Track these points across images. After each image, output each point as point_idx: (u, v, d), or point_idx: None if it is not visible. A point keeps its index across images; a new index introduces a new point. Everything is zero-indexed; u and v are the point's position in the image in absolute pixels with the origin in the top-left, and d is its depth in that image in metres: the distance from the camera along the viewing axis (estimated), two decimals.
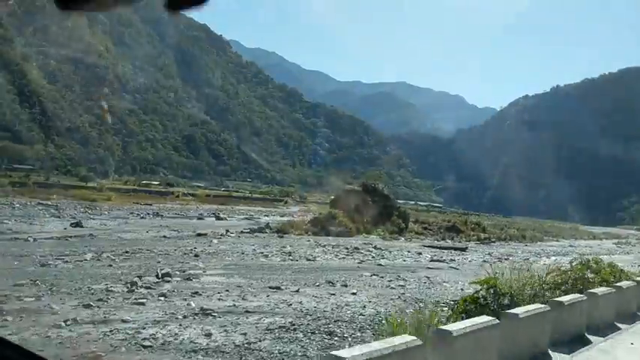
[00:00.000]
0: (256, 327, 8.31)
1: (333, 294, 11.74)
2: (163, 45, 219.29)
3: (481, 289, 9.48)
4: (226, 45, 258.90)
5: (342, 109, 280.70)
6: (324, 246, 23.49)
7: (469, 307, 9.11)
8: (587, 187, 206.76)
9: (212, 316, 8.84)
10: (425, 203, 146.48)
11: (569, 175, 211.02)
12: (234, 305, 9.83)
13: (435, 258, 22.12)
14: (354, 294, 11.94)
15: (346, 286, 13.02)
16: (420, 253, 25.09)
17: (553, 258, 30.31)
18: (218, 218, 35.27)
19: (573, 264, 10.01)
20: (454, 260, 23.20)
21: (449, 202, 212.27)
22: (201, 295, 10.67)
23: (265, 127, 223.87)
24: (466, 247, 28.89)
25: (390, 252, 24.60)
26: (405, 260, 21.41)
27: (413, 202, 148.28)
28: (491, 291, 9.37)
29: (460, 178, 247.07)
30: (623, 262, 33.30)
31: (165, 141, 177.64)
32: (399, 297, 12.04)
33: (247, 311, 9.37)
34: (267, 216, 45.66)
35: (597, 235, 64.36)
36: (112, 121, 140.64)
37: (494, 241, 36.35)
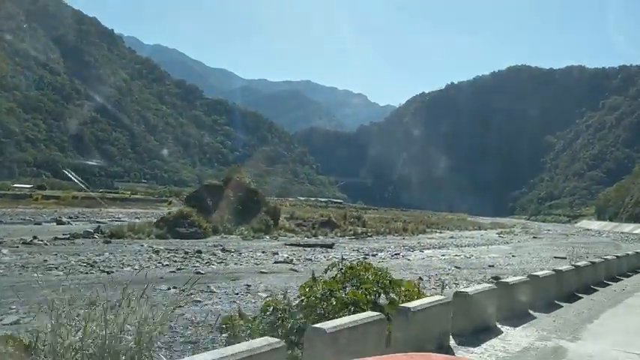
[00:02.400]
0: None
1: None
2: (48, 39, 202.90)
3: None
4: (118, 40, 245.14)
5: (246, 106, 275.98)
6: (158, 252, 19.85)
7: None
8: (481, 179, 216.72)
9: None
10: (325, 199, 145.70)
11: (464, 168, 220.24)
12: None
13: (283, 259, 19.22)
14: None
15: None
16: (275, 254, 22.17)
17: (427, 252, 28.70)
18: (59, 223, 30.48)
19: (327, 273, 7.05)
20: (309, 259, 20.46)
21: (353, 198, 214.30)
22: None
23: (162, 125, 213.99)
24: (333, 244, 26.43)
25: (241, 254, 21.44)
26: (247, 264, 18.32)
27: (314, 199, 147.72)
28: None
29: (363, 174, 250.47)
30: (499, 252, 32.50)
31: (50, 141, 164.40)
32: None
33: None
34: (138, 218, 41.00)
35: (484, 226, 65.38)
36: None
37: (370, 236, 34.45)
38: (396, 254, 25.75)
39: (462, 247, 33.12)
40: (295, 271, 16.36)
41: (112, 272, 14.32)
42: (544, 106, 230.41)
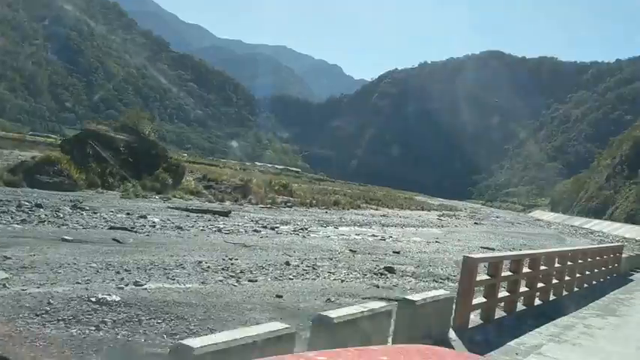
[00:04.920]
0: None
1: None
2: None
3: None
4: None
5: (214, 65, 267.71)
6: None
7: None
8: (444, 161, 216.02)
9: None
10: (282, 167, 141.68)
11: (427, 148, 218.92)
12: None
13: (125, 226, 15.33)
14: None
15: None
16: (143, 217, 18.26)
17: (342, 229, 25.28)
18: None
19: None
20: (166, 227, 16.64)
21: (315, 169, 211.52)
22: None
23: (123, 74, 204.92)
24: (230, 212, 22.69)
25: (95, 213, 17.45)
26: (74, 226, 14.37)
27: (270, 165, 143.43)
28: None
29: (328, 145, 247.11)
30: (424, 236, 29.22)
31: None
32: None
33: None
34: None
35: (430, 206, 62.60)
36: None
37: (290, 207, 30.82)
38: (300, 229, 22.18)
39: (387, 226, 29.84)
40: (118, 242, 12.48)
41: None
42: (513, 94, 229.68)
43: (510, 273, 9.67)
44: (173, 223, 18.00)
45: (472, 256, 8.60)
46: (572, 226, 75.63)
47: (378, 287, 11.70)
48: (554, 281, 11.97)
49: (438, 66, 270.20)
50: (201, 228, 17.61)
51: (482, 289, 8.74)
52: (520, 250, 29.90)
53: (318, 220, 26.90)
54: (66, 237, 11.93)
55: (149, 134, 27.05)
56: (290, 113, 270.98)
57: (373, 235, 24.06)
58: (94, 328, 6.40)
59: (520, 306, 10.19)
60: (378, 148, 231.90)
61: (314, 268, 12.79)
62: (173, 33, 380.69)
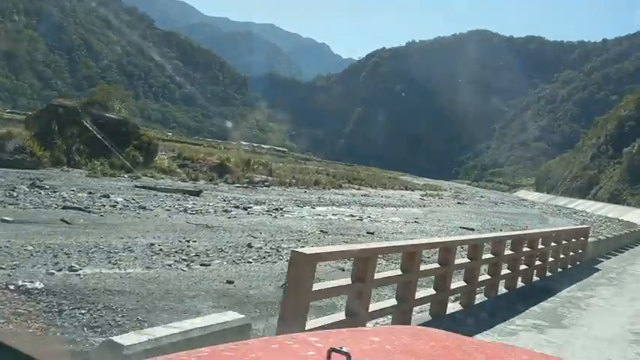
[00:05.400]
0: None
1: None
2: None
3: None
4: None
5: (201, 43, 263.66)
6: None
7: None
8: (431, 140, 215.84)
9: None
10: (268, 146, 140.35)
11: (415, 127, 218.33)
12: None
13: (80, 205, 14.53)
14: None
15: None
16: (105, 196, 17.45)
17: (319, 209, 24.63)
18: None
19: None
20: (128, 207, 15.87)
21: (303, 149, 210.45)
22: None
23: (106, 51, 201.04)
24: (201, 191, 21.93)
25: (55, 192, 16.62)
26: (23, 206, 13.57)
27: (256, 145, 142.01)
28: None
29: (315, 124, 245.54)
30: (404, 216, 28.64)
31: None
32: None
33: None
34: None
35: (414, 186, 62.17)
36: None
37: (268, 186, 30.09)
38: (275, 210, 21.50)
39: (366, 206, 29.29)
40: (66, 222, 11.73)
41: None
42: (500, 74, 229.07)
43: (438, 265, 7.29)
44: (138, 202, 17.23)
45: (304, 251, 5.10)
46: (556, 206, 75.83)
47: (344, 270, 11.09)
48: (484, 277, 8.88)
49: (426, 45, 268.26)
50: (167, 208, 16.88)
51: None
52: (501, 229, 29.61)
53: (295, 200, 26.26)
54: (6, 218, 11.13)
55: (119, 110, 26.02)
56: (277, 92, 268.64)
57: (351, 216, 23.48)
58: (2, 321, 5.70)
59: (426, 316, 7.22)
60: (365, 128, 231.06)
61: (278, 251, 12.15)
62: (159, 10, 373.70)
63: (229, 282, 8.57)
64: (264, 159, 45.70)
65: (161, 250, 10.42)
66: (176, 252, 10.44)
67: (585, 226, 21.23)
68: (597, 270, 14.85)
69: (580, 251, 15.30)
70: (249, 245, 12.14)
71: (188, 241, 11.59)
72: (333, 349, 1.08)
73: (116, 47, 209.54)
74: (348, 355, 1.05)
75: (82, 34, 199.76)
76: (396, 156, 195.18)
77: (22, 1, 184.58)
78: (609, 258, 17.98)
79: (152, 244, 10.73)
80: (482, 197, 69.77)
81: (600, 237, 20.28)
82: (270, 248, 12.36)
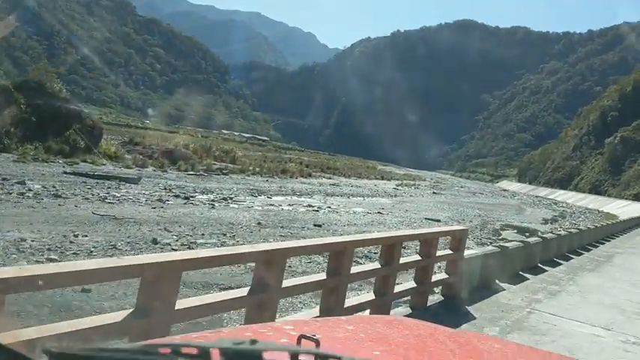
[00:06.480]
0: None
1: None
2: None
3: None
4: None
5: (186, 31, 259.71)
6: None
7: None
8: (418, 131, 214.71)
9: None
10: (248, 135, 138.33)
11: (400, 118, 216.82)
12: None
13: None
14: None
15: None
16: (22, 183, 15.54)
17: (276, 198, 22.87)
18: None
19: None
20: (25, 196, 13.99)
21: (288, 139, 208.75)
22: None
23: (86, 38, 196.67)
24: (140, 178, 20.01)
25: None
26: None
27: (237, 133, 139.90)
28: None
29: (300, 114, 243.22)
30: (369, 206, 26.98)
31: None
32: None
33: None
34: None
35: (391, 176, 60.59)
36: None
37: (226, 174, 28.22)
38: (222, 199, 19.69)
39: (331, 196, 27.61)
40: None
41: None
42: (485, 64, 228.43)
43: None
44: (56, 190, 15.33)
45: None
46: (536, 196, 74.89)
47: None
48: None
49: (412, 34, 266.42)
50: (87, 197, 14.97)
51: None
52: (471, 221, 28.10)
53: (251, 189, 24.46)
54: None
55: (59, 91, 23.95)
56: (262, 81, 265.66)
57: (309, 206, 21.77)
58: None
59: None
60: (350, 117, 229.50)
61: (189, 247, 10.39)
62: None
63: (85, 290, 6.76)
64: (235, 147, 43.72)
65: (30, 246, 8.60)
66: (49, 249, 8.63)
67: (461, 227, 8.96)
68: (472, 317, 6.95)
69: (448, 277, 7.33)
70: (154, 241, 10.36)
71: (76, 236, 9.79)
72: (303, 336, 1.09)
73: (96, 33, 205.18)
74: (317, 341, 1.05)
75: (61, 20, 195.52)
76: (381, 146, 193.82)
77: None
78: (545, 270, 11.23)
79: (23, 239, 8.91)
80: (461, 187, 68.48)
81: (493, 248, 10.37)
82: (182, 244, 10.61)
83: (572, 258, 14.05)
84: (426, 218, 23.21)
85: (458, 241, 7.59)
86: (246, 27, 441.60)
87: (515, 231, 25.45)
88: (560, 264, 12.61)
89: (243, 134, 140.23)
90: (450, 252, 7.46)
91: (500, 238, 20.79)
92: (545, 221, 34.50)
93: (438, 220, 23.05)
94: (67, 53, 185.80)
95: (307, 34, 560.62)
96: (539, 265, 11.54)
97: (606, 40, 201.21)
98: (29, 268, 2.88)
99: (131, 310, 3.25)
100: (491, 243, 18.26)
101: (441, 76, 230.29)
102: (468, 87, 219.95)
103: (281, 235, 13.34)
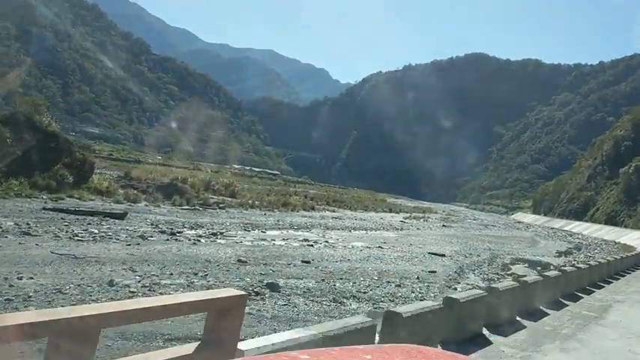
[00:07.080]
0: None
1: None
2: None
3: None
4: None
5: (201, 69, 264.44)
6: None
7: None
8: (432, 163, 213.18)
9: None
10: (259, 169, 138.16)
11: (411, 152, 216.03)
12: None
13: None
14: None
15: None
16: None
17: (271, 232, 21.77)
18: None
19: None
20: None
21: (299, 173, 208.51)
22: None
23: (101, 77, 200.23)
24: (126, 214, 19.11)
25: None
26: None
27: (248, 168, 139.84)
28: None
29: (312, 148, 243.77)
30: (370, 241, 25.70)
31: None
32: None
33: None
34: None
35: (400, 209, 59.24)
36: None
37: (223, 208, 27.29)
38: (211, 234, 18.71)
39: (331, 229, 26.49)
40: None
41: None
42: (497, 97, 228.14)
43: None
44: (29, 227, 14.46)
45: None
46: (552, 228, 72.87)
47: None
48: None
49: (423, 68, 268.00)
50: (58, 234, 14.05)
51: None
52: (479, 255, 26.69)
53: (245, 223, 23.43)
54: None
55: (48, 125, 23.43)
56: (275, 116, 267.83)
57: (305, 240, 20.68)
58: None
59: None
60: (362, 151, 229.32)
61: (150, 289, 9.37)
62: (158, 36, 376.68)
63: None
64: (239, 180, 42.92)
65: None
66: None
67: (239, 292, 2.75)
68: None
69: None
70: (111, 283, 9.33)
71: (20, 278, 8.82)
72: None
73: (110, 72, 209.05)
74: None
75: (76, 59, 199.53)
76: (393, 178, 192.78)
77: (14, 25, 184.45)
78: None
79: None
80: (474, 220, 66.86)
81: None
82: (143, 286, 9.58)
83: (546, 314, 9.94)
84: (429, 253, 21.93)
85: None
86: (259, 64, 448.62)
87: (527, 265, 24.03)
88: (523, 327, 8.46)
89: (254, 168, 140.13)
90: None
91: (509, 273, 19.49)
92: (560, 254, 32.91)
93: (443, 255, 21.76)
94: (81, 91, 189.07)
95: (320, 70, 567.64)
96: (484, 332, 7.51)
97: (617, 72, 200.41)
98: None
99: None
100: (498, 279, 17.01)
101: (452, 111, 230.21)
102: (480, 119, 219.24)
103: (262, 273, 12.26)
